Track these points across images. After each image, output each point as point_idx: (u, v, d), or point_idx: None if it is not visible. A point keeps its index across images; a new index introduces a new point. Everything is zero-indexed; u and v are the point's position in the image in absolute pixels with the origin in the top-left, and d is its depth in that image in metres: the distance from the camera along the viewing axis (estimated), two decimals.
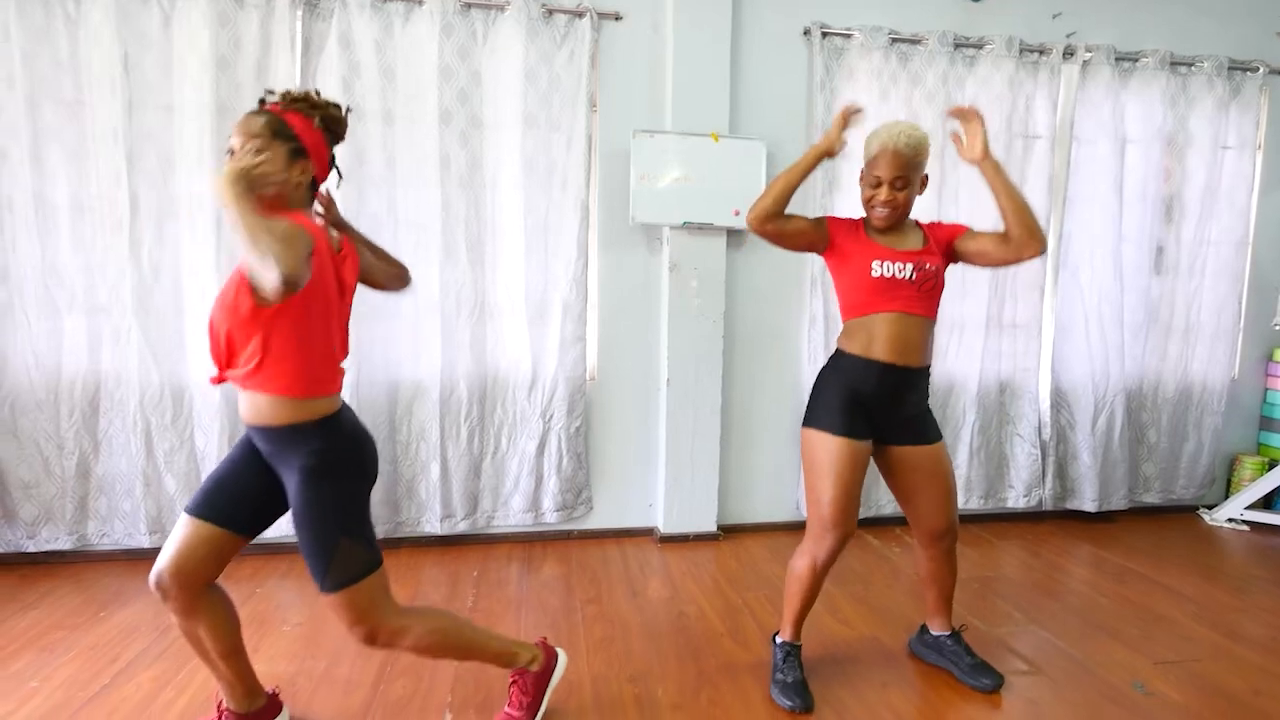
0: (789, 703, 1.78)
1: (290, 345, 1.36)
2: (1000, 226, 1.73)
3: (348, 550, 1.40)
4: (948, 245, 1.81)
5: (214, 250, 2.55)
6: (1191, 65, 3.17)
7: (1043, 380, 3.23)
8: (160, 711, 1.74)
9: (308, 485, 1.39)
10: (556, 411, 2.83)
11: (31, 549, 2.58)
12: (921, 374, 1.79)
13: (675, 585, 2.56)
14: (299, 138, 1.41)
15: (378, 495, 2.71)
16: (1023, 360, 3.18)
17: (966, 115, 1.76)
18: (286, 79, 2.58)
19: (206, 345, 1.42)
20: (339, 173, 1.57)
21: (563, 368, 2.82)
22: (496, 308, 2.80)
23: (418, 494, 2.80)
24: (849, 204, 2.97)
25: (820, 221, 1.81)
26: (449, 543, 2.86)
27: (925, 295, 1.75)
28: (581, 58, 2.74)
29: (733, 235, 2.93)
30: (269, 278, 1.16)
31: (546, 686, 1.69)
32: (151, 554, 2.63)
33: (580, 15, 2.73)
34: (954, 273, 3.00)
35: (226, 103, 2.53)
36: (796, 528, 2.62)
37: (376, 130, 2.64)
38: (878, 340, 1.74)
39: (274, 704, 1.67)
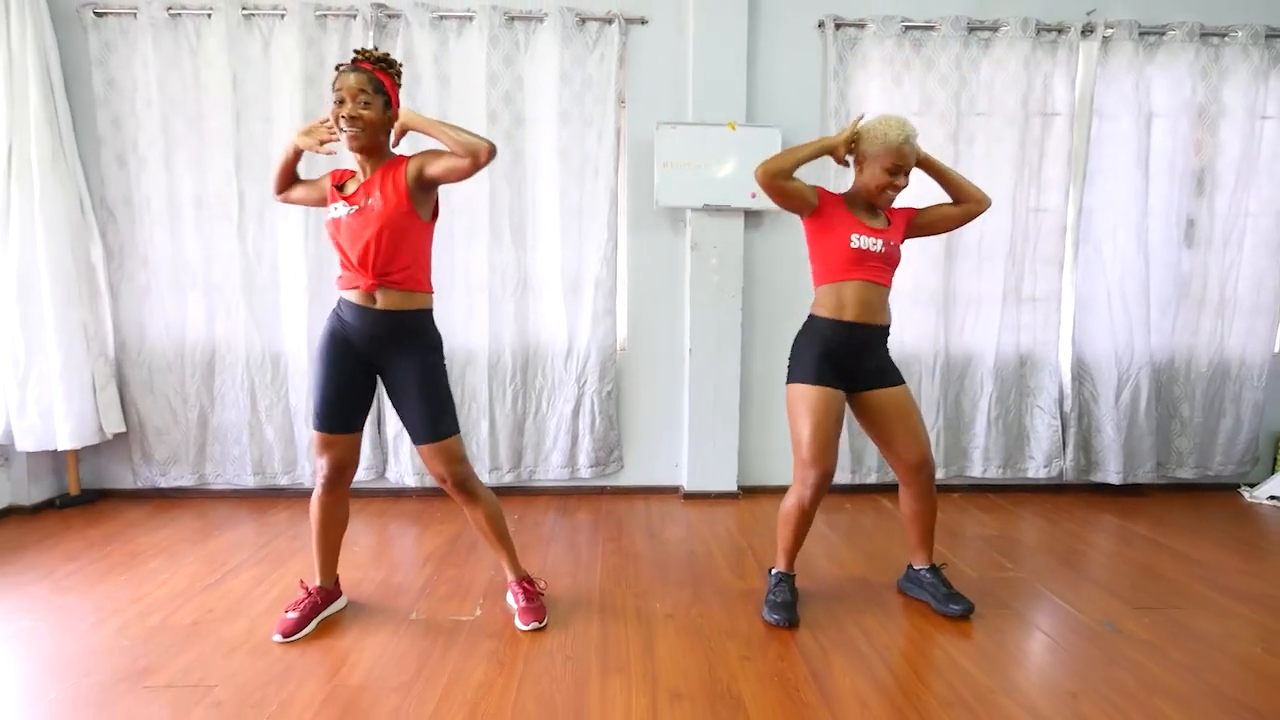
0: (775, 617, 2.03)
1: (426, 252, 1.88)
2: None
3: (453, 405, 1.94)
4: (906, 224, 2.07)
5: (302, 237, 3.04)
6: (1224, 36, 3.15)
7: (1063, 353, 3.28)
8: (258, 598, 2.19)
9: (432, 354, 1.90)
10: (590, 377, 3.17)
11: (164, 485, 3.16)
12: (883, 331, 2.03)
13: (690, 531, 2.84)
14: (388, 92, 1.81)
15: None
16: (1042, 334, 3.26)
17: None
18: None
19: (358, 261, 1.80)
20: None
21: (595, 338, 3.15)
22: (537, 285, 3.17)
23: (470, 448, 3.20)
24: None
25: (813, 190, 2.04)
26: (498, 492, 3.23)
27: (888, 268, 2.01)
28: (610, 59, 3.06)
29: (750, 216, 3.18)
30: (481, 148, 1.73)
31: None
32: (255, 492, 3.19)
33: (609, 21, 3.05)
34: (970, 249, 3.16)
35: (314, 112, 3.00)
36: None
37: None
38: (849, 304, 1.99)
39: (338, 589, 2.10)
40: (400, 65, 1.88)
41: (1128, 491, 3.33)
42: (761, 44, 3.14)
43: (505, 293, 3.13)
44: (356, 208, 1.81)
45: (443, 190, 3.09)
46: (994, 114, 3.15)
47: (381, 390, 2.23)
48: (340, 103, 1.77)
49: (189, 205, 3.06)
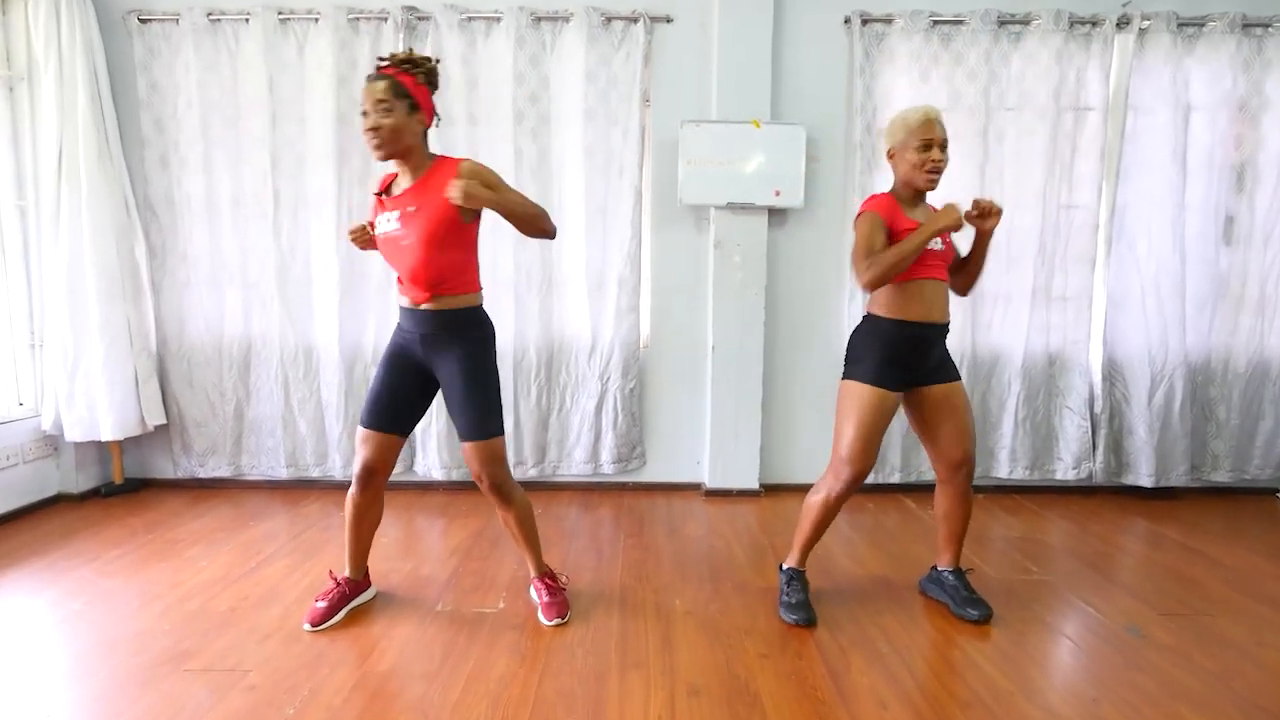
0: (793, 617, 2.04)
1: (473, 251, 1.93)
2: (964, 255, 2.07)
3: (500, 405, 1.96)
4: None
5: (334, 234, 3.12)
6: (1268, 26, 3.05)
7: (1094, 353, 3.22)
8: (291, 586, 2.27)
9: (483, 352, 1.92)
10: (613, 374, 3.20)
11: (202, 475, 3.28)
12: (946, 327, 2.02)
13: (710, 528, 2.86)
14: (412, 94, 1.81)
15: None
16: (1072, 333, 3.20)
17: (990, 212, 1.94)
18: None
19: (412, 279, 1.85)
20: (438, 116, 1.94)
21: (618, 335, 3.18)
22: (561, 282, 3.21)
23: None
24: (886, 184, 3.12)
25: (881, 228, 1.92)
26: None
27: (944, 262, 1.99)
28: (636, 58, 3.08)
29: (773, 214, 3.18)
30: (548, 231, 1.95)
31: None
32: (288, 483, 3.29)
33: (635, 20, 3.07)
34: (998, 246, 3.13)
35: (346, 114, 3.07)
36: None
37: (462, 132, 3.11)
38: (915, 302, 1.95)
39: (367, 580, 2.16)
40: (430, 61, 1.87)
41: (1160, 495, 3.27)
42: (786, 40, 3.13)
43: (530, 290, 3.18)
44: (399, 216, 1.84)
45: None
46: (1024, 109, 3.10)
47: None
48: (364, 115, 1.79)
49: (227, 204, 3.15)
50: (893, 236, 1.93)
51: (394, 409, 1.98)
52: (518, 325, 3.18)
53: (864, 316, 2.06)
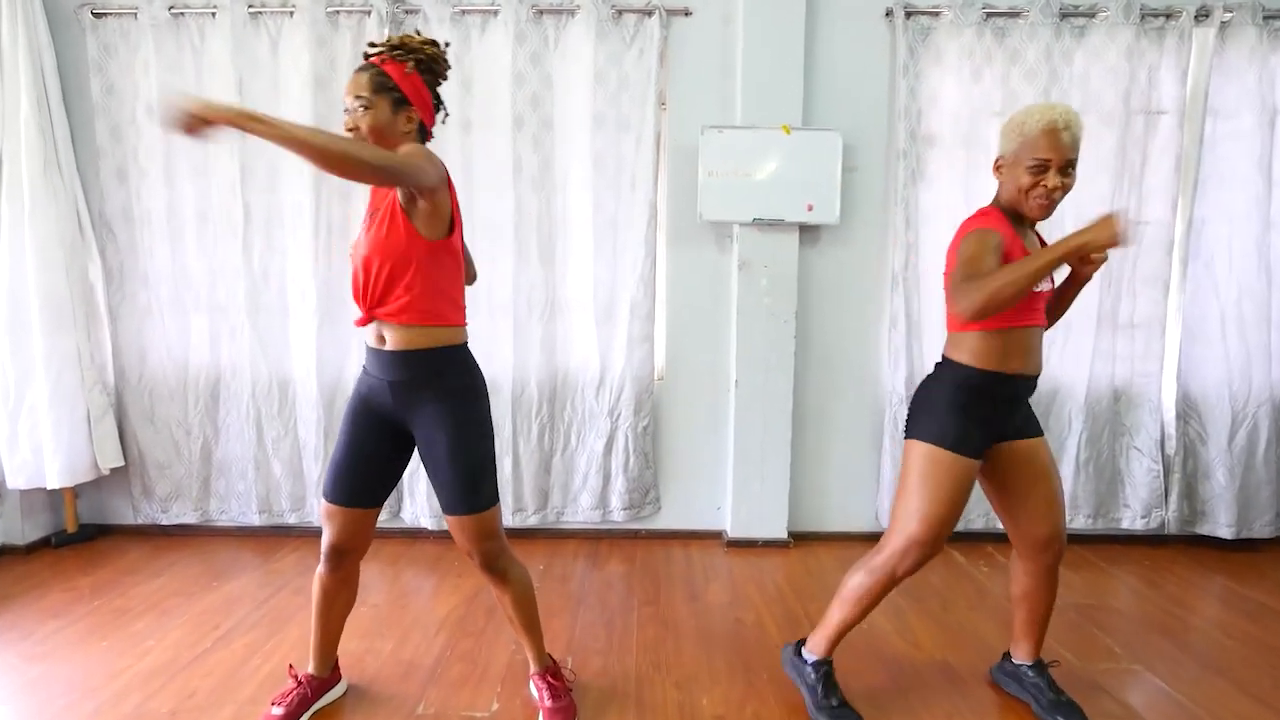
0: None
1: (440, 276, 1.51)
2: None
3: (493, 468, 1.60)
4: None
5: (312, 254, 2.77)
6: None
7: (1166, 387, 2.86)
8: (249, 675, 1.92)
9: (465, 404, 1.55)
10: (624, 411, 2.85)
11: (165, 522, 2.94)
12: (1037, 379, 1.66)
13: (736, 590, 2.51)
14: (399, 86, 1.48)
15: None
16: (1141, 364, 2.84)
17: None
18: None
19: (355, 290, 1.52)
20: (445, 109, 1.62)
21: (630, 367, 2.83)
22: (566, 307, 2.86)
23: None
24: (933, 198, 2.78)
25: (997, 250, 1.50)
26: (519, 536, 2.95)
27: (1044, 305, 1.64)
28: (650, 56, 2.73)
29: (805, 231, 2.82)
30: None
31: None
32: (261, 530, 2.94)
33: (649, 13, 2.72)
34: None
35: (325, 117, 2.73)
36: (872, 540, 2.49)
37: (455, 138, 2.76)
38: (1014, 354, 1.58)
39: (336, 674, 1.81)
40: (428, 46, 1.53)
41: (1239, 547, 2.90)
42: (820, 36, 2.78)
43: (532, 316, 2.83)
44: (363, 223, 1.55)
45: (466, 205, 2.85)
46: (1089, 112, 2.74)
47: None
48: (345, 113, 1.50)
49: (192, 220, 2.82)
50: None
51: (362, 477, 1.62)
52: (517, 355, 2.83)
53: (942, 361, 1.68)
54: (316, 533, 2.88)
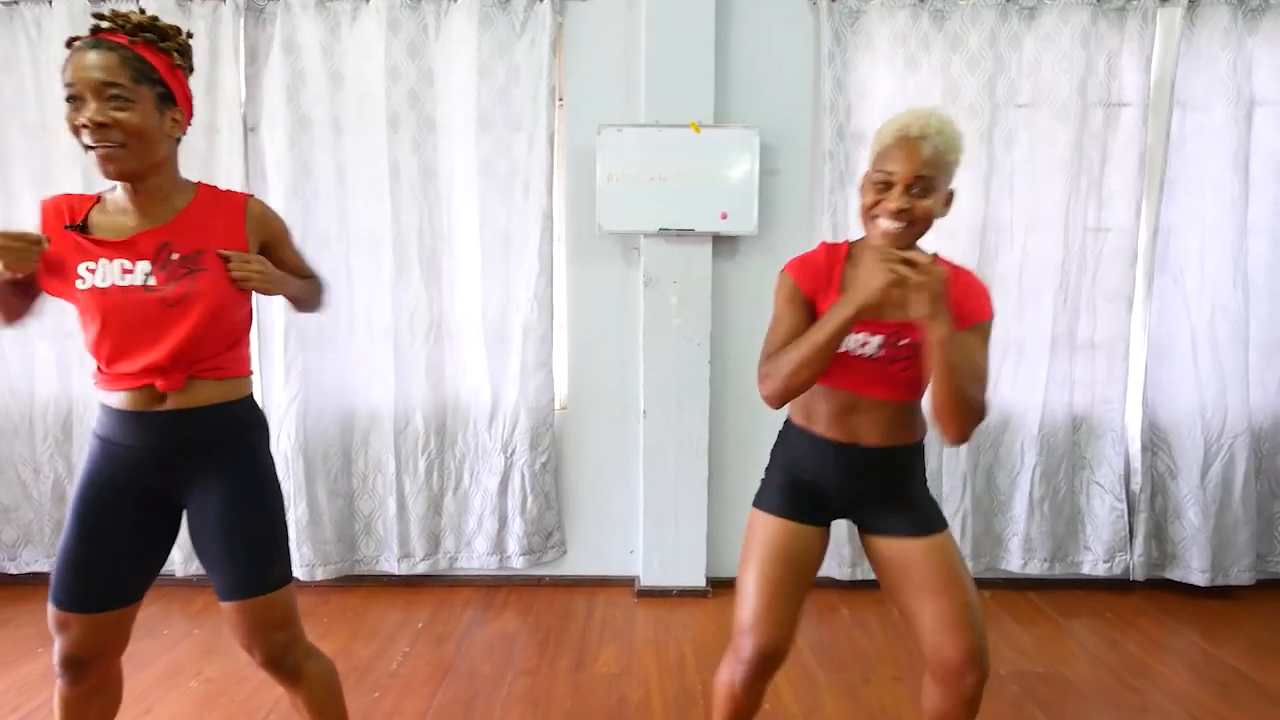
0: None
1: (251, 318, 1.37)
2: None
3: (287, 543, 1.35)
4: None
5: None
6: None
7: (1131, 416, 2.54)
8: None
9: (264, 461, 1.35)
10: (519, 446, 2.54)
11: (14, 570, 2.63)
12: (895, 453, 1.32)
13: (634, 656, 2.19)
14: (165, 81, 1.18)
15: (331, 532, 2.54)
16: (1103, 390, 2.52)
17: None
18: (233, 92, 2.44)
19: (169, 354, 1.21)
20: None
21: (524, 397, 2.52)
22: (454, 330, 2.55)
23: (376, 531, 2.60)
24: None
25: (796, 303, 1.28)
26: (411, 583, 2.64)
27: (893, 379, 1.26)
28: (543, 44, 2.41)
29: (720, 243, 2.50)
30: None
31: None
32: None
33: None
34: (1006, 280, 2.44)
35: (204, 121, 2.42)
36: None
37: (325, 142, 2.45)
38: (819, 415, 1.32)
39: None
40: (182, 33, 1.23)
41: (1213, 594, 2.57)
42: (735, 22, 2.46)
43: (414, 340, 2.52)
44: (153, 267, 1.20)
45: (338, 216, 2.54)
46: (1041, 105, 2.42)
47: None
48: (75, 102, 1.12)
49: None
50: (816, 317, 1.26)
51: (112, 576, 1.27)
52: (399, 383, 2.52)
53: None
54: (183, 584, 2.59)
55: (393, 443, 2.54)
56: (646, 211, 2.43)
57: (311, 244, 2.46)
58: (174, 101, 1.20)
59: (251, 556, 1.27)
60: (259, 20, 2.44)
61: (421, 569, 2.60)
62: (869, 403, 1.28)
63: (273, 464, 1.37)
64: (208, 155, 2.46)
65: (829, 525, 1.38)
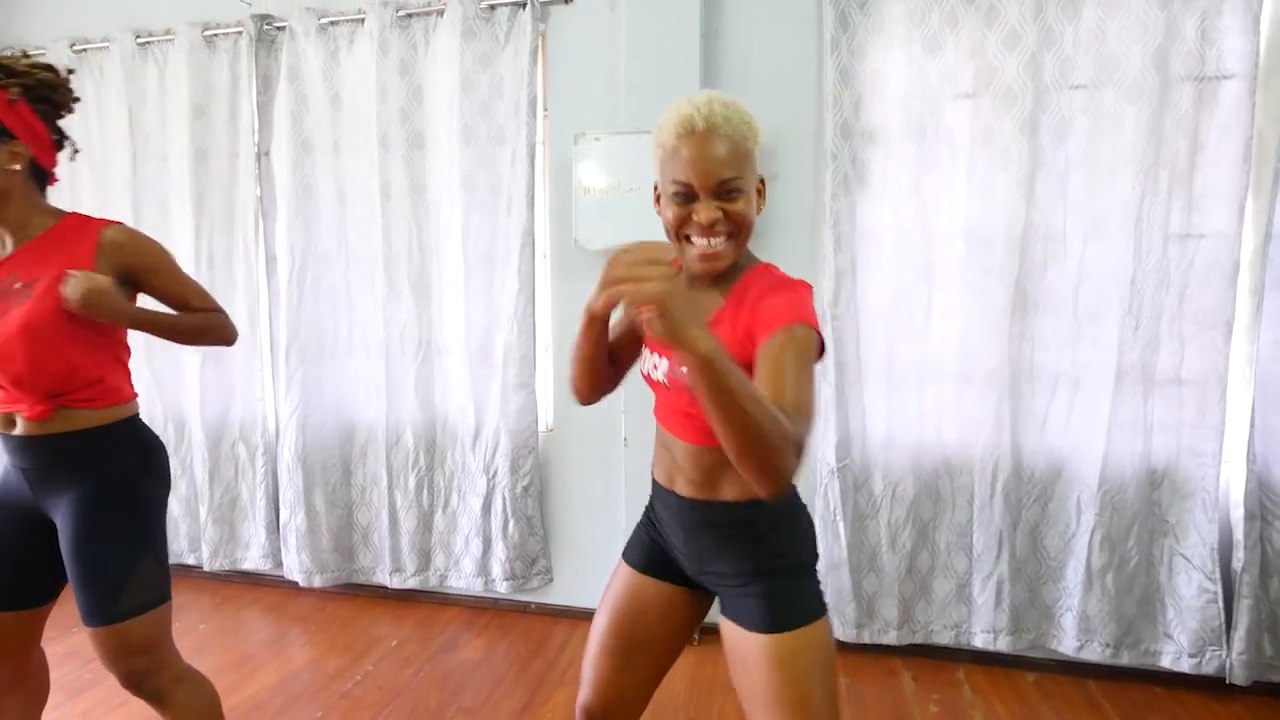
0: None
1: (121, 346, 1.39)
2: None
3: (150, 571, 1.33)
4: (746, 336, 0.97)
5: None
6: None
7: (1230, 471, 1.99)
8: None
9: (116, 496, 1.32)
10: (500, 468, 2.47)
11: None
12: (714, 509, 1.08)
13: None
14: (2, 118, 1.24)
15: (328, 541, 2.62)
16: (1191, 438, 2.00)
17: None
18: (249, 119, 2.58)
19: (15, 381, 1.28)
20: (72, 145, 1.37)
21: (505, 419, 2.44)
22: (443, 348, 2.53)
23: (372, 542, 2.65)
24: (873, 210, 2.13)
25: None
26: (404, 597, 2.67)
27: (689, 416, 1.04)
28: (524, 53, 2.32)
29: None
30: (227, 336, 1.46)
31: None
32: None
33: (523, 4, 2.31)
34: (1056, 296, 2.06)
35: (204, 149, 2.60)
36: None
37: (326, 164, 2.52)
38: (660, 452, 1.18)
39: None
40: (36, 70, 1.27)
41: None
42: (725, 13, 2.22)
43: (404, 358, 2.53)
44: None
45: (337, 236, 2.61)
46: (1105, 85, 1.96)
47: None
48: None
49: None
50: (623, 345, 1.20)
51: (13, 574, 1.37)
52: (390, 400, 2.54)
53: None
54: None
55: (385, 457, 2.56)
56: (629, 226, 2.25)
57: (313, 264, 2.55)
58: (13, 137, 1.24)
59: (99, 586, 1.28)
60: (270, 50, 2.56)
61: (413, 584, 2.61)
62: (679, 444, 1.08)
63: (148, 491, 1.37)
64: (230, 180, 2.62)
65: (688, 588, 1.17)
